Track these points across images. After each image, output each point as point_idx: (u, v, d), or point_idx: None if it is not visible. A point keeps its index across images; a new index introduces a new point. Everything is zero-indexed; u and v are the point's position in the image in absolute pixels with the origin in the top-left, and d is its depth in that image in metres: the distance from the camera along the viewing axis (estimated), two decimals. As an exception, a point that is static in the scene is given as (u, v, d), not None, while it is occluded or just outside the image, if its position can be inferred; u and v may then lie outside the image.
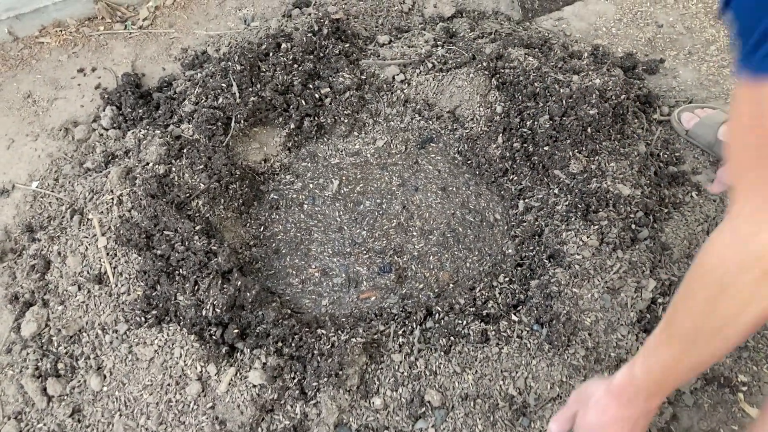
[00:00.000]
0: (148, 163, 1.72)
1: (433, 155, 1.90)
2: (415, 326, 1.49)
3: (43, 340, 1.55)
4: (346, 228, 1.76)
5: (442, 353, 1.44)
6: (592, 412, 1.01)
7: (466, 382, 1.41)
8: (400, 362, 1.44)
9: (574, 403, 1.08)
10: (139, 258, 1.58)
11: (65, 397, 1.48)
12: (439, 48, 2.00)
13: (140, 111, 1.95)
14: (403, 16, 2.29)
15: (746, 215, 0.74)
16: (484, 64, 1.89)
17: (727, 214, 0.77)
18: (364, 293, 1.62)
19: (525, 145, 1.78)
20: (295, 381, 1.40)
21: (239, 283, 1.51)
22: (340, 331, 1.48)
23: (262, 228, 1.79)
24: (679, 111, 1.89)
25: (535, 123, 1.76)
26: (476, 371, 1.42)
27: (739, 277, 0.74)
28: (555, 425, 1.09)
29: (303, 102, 1.87)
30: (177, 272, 1.55)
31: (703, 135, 1.82)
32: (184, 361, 1.46)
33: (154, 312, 1.52)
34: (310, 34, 1.97)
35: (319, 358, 1.41)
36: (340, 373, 1.38)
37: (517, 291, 1.56)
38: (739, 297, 0.75)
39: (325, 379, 1.37)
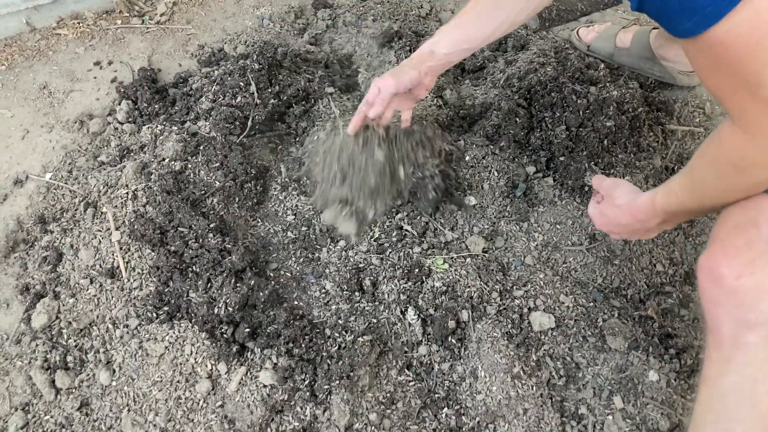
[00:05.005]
0: (164, 159, 1.72)
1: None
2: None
3: (53, 332, 1.55)
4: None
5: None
6: (611, 210, 1.27)
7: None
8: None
9: (608, 187, 1.30)
10: (153, 254, 1.58)
11: (73, 390, 1.48)
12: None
13: (156, 106, 1.95)
14: (420, 20, 2.29)
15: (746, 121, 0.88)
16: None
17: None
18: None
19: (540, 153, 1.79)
20: (306, 382, 1.40)
21: (252, 282, 1.51)
22: (345, 332, 1.48)
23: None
24: (576, 29, 2.15)
25: (552, 133, 1.76)
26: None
27: (754, 162, 0.91)
28: (596, 181, 1.35)
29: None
30: (190, 269, 1.55)
31: (603, 47, 2.06)
32: (195, 359, 1.46)
33: (165, 308, 1.52)
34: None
35: (329, 360, 1.41)
36: (352, 374, 1.38)
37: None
38: (753, 177, 0.94)
39: (337, 382, 1.37)
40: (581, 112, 1.76)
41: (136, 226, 1.60)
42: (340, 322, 1.53)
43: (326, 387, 1.38)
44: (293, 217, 1.75)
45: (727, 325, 0.97)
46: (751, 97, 0.82)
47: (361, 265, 1.62)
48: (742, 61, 0.79)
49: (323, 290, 1.61)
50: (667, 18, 0.85)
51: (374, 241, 1.67)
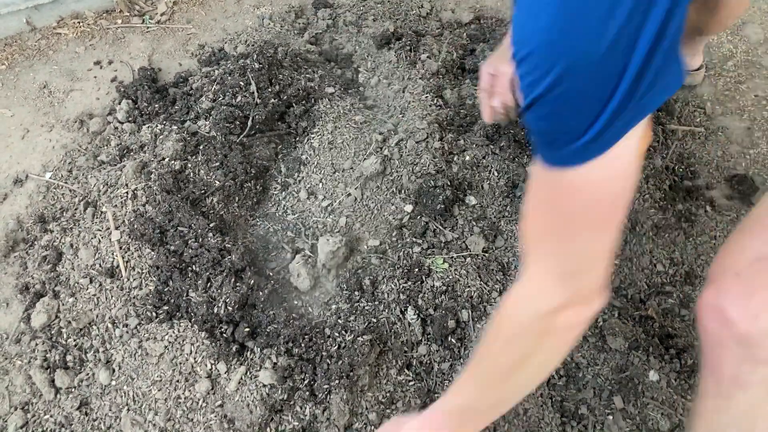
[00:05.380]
0: (164, 159, 1.72)
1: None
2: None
3: (52, 332, 1.55)
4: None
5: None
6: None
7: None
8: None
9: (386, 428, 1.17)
10: (152, 253, 1.58)
11: (73, 390, 1.48)
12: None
13: (156, 106, 1.95)
14: (420, 20, 2.29)
15: (534, 280, 0.86)
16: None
17: (521, 274, 0.88)
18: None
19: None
20: (306, 382, 1.40)
21: (252, 281, 1.51)
22: (345, 332, 1.48)
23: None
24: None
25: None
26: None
27: (524, 332, 0.87)
28: None
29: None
30: (190, 269, 1.55)
31: None
32: (194, 358, 1.46)
33: (165, 308, 1.52)
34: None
35: (329, 360, 1.41)
36: (351, 374, 1.38)
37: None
38: (524, 349, 0.88)
39: (336, 381, 1.37)
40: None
41: (135, 226, 1.60)
42: (339, 321, 1.53)
43: (326, 386, 1.38)
44: (293, 216, 1.74)
45: (730, 363, 0.90)
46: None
47: (360, 265, 1.62)
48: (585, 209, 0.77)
49: (323, 290, 1.61)
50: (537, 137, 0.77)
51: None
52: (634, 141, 0.72)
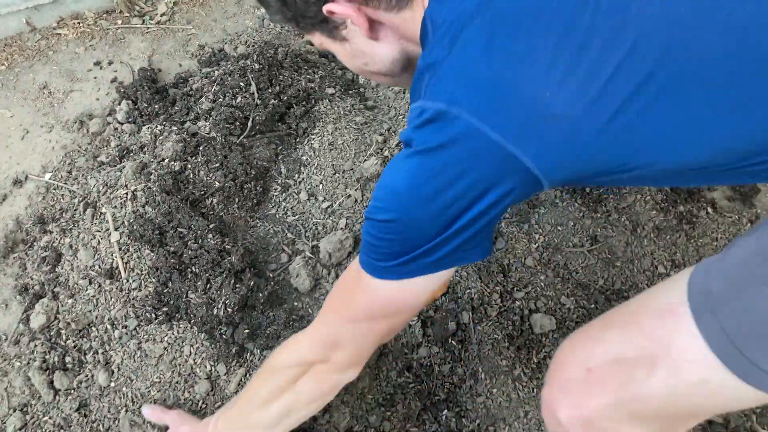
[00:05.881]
0: (163, 159, 1.71)
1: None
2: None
3: (51, 333, 1.55)
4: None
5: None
6: None
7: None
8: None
9: (174, 420, 1.34)
10: (152, 254, 1.58)
11: (72, 391, 1.47)
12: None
13: (156, 106, 1.95)
14: (421, 21, 2.29)
15: (307, 334, 1.06)
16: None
17: (309, 326, 1.07)
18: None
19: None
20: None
21: (252, 283, 1.51)
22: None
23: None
24: None
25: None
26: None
27: (283, 370, 1.06)
28: (148, 411, 1.38)
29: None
30: (189, 270, 1.54)
31: None
32: (194, 360, 1.45)
33: (164, 309, 1.51)
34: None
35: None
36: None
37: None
38: (279, 383, 1.07)
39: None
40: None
41: (135, 227, 1.59)
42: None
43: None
44: (293, 217, 1.74)
45: None
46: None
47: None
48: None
49: (323, 291, 1.61)
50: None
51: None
52: (430, 284, 0.88)
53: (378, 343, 1.03)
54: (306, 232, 1.70)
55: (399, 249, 0.82)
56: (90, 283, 1.59)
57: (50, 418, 1.44)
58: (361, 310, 0.94)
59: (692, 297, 0.75)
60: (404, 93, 2.00)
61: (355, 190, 1.74)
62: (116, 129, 1.94)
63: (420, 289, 0.89)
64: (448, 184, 0.75)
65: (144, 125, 1.89)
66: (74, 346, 1.52)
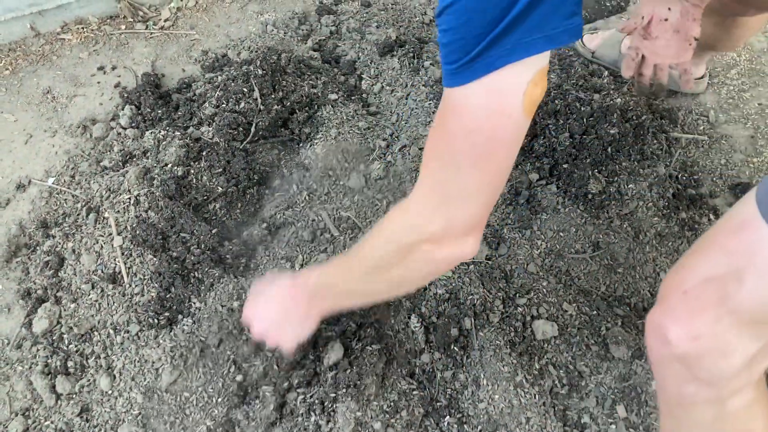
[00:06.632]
0: (166, 164, 1.72)
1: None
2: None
3: (53, 338, 1.55)
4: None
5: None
6: (268, 286, 1.25)
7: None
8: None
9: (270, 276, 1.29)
10: (154, 259, 1.58)
11: (74, 396, 1.47)
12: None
13: (159, 111, 1.95)
14: (423, 27, 2.30)
15: (415, 201, 0.91)
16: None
17: (411, 192, 0.92)
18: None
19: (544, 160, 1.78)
20: (311, 392, 1.39)
21: (254, 288, 1.51)
22: (352, 341, 1.47)
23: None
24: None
25: (555, 140, 1.76)
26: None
27: (393, 244, 0.95)
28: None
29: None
30: (192, 275, 1.54)
31: (608, 54, 2.02)
32: (196, 365, 1.45)
33: (167, 314, 1.51)
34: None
35: (336, 369, 1.40)
36: (359, 383, 1.37)
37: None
38: (389, 257, 0.96)
39: (344, 390, 1.36)
40: (585, 120, 1.75)
41: (138, 232, 1.59)
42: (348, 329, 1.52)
43: (332, 395, 1.37)
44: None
45: (673, 383, 0.93)
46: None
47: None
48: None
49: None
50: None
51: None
52: (520, 80, 0.75)
53: (494, 192, 0.88)
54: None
55: (479, 29, 0.71)
56: (92, 287, 1.59)
57: (52, 422, 1.44)
58: (458, 137, 0.81)
59: (763, 209, 0.79)
60: (407, 98, 2.01)
61: (358, 195, 1.74)
62: (119, 134, 1.95)
63: (515, 80, 0.76)
64: None
65: (147, 130, 1.89)
66: (76, 351, 1.52)
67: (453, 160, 0.83)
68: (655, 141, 1.83)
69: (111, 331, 1.53)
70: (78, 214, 1.74)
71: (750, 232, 0.80)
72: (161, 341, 1.49)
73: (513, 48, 0.72)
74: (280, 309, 1.20)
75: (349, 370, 1.39)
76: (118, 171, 1.78)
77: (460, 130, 0.80)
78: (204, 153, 1.75)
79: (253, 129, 1.81)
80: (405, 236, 0.92)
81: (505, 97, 0.76)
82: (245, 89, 1.86)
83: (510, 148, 0.82)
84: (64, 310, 1.58)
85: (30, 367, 1.51)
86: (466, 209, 0.87)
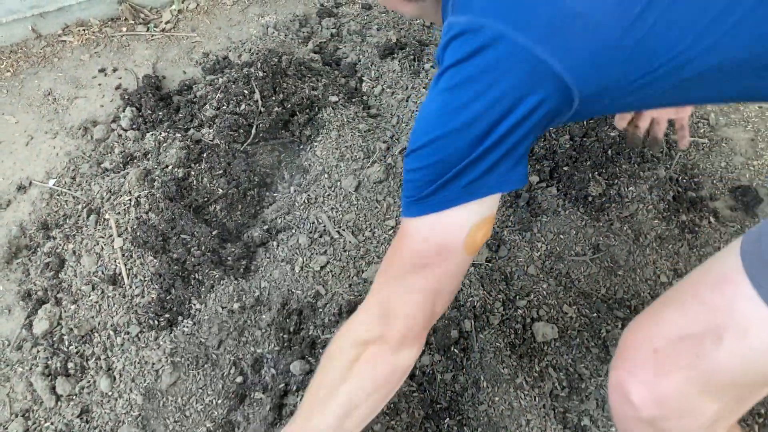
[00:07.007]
0: (167, 166, 1.72)
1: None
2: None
3: (54, 339, 1.55)
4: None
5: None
6: None
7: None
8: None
9: None
10: (155, 260, 1.58)
11: (74, 397, 1.47)
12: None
13: (160, 113, 1.96)
14: (424, 30, 2.30)
15: (361, 312, 0.96)
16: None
17: (357, 309, 0.98)
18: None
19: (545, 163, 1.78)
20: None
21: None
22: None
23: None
24: None
25: (556, 143, 1.76)
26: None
27: (339, 354, 0.96)
28: None
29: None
30: (192, 276, 1.54)
31: None
32: (196, 367, 1.45)
33: (167, 315, 1.51)
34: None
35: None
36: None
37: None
38: (337, 371, 0.95)
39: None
40: (585, 122, 1.75)
41: (138, 233, 1.60)
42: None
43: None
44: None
45: None
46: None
47: (365, 273, 1.62)
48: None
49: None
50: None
51: (379, 246, 1.66)
52: (464, 223, 0.84)
53: (431, 312, 0.94)
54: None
55: (433, 175, 0.81)
56: (93, 289, 1.59)
57: (52, 423, 1.44)
58: (405, 259, 0.89)
59: (747, 263, 0.75)
60: (407, 101, 2.01)
61: (358, 197, 1.74)
62: (120, 135, 1.95)
63: (459, 222, 0.84)
64: (478, 95, 0.75)
65: (148, 132, 1.90)
66: (76, 352, 1.52)
67: (398, 275, 0.91)
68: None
69: (111, 333, 1.53)
70: (78, 216, 1.74)
71: (732, 287, 0.75)
72: (161, 343, 1.50)
73: (467, 189, 0.81)
74: None
75: None
76: (118, 172, 1.79)
77: (408, 252, 0.88)
78: (204, 155, 1.75)
79: (253, 131, 1.81)
80: (350, 345, 0.96)
81: (448, 234, 0.85)
82: (246, 91, 1.87)
83: (451, 277, 0.90)
84: (65, 311, 1.58)
85: (30, 369, 1.51)
86: (405, 322, 0.92)
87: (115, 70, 2.21)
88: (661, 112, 1.59)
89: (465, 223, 0.84)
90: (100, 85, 2.17)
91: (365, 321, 0.96)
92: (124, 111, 2.01)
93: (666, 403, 0.82)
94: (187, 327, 1.51)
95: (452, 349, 1.48)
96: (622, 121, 1.62)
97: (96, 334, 1.54)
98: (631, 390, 0.85)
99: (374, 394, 0.97)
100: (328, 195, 1.76)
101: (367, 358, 0.94)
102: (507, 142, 0.77)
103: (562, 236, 1.68)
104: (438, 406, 1.43)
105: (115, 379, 1.48)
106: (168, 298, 1.54)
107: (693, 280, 0.84)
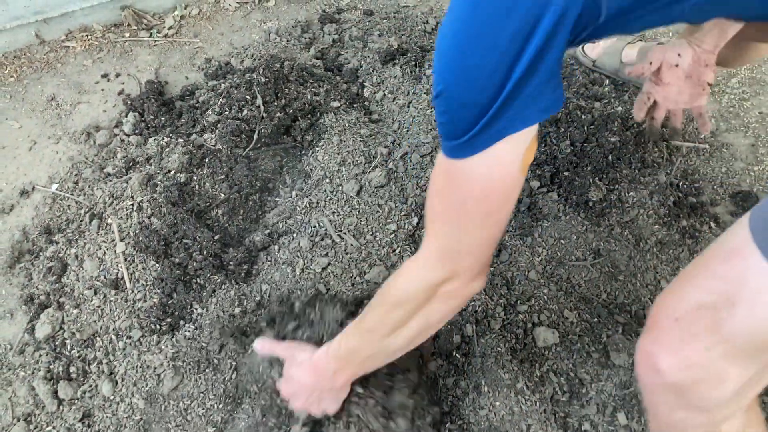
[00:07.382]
0: (169, 171, 1.73)
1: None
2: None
3: (56, 343, 1.55)
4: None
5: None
6: (294, 370, 1.24)
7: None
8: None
9: (285, 349, 1.29)
10: (157, 265, 1.59)
11: (76, 401, 1.48)
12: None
13: (163, 118, 1.97)
14: (425, 35, 2.31)
15: (424, 256, 0.98)
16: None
17: (420, 249, 1.00)
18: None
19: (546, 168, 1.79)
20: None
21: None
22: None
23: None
24: (581, 45, 2.05)
25: (556, 148, 1.77)
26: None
27: (408, 299, 1.01)
28: (260, 345, 1.32)
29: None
30: (194, 281, 1.55)
31: (608, 63, 2.00)
32: (198, 371, 1.45)
33: (169, 320, 1.52)
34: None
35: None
36: (361, 391, 1.37)
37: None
38: (406, 313, 1.02)
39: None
40: (586, 128, 1.76)
41: (140, 238, 1.60)
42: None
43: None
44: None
45: (665, 410, 0.93)
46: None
47: (366, 276, 1.62)
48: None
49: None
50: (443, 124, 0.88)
51: (380, 249, 1.67)
52: (518, 149, 0.84)
53: (496, 240, 0.96)
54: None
55: (472, 117, 0.79)
56: (95, 293, 1.59)
57: (54, 428, 1.45)
58: (464, 200, 0.88)
59: (756, 236, 0.79)
60: (408, 106, 2.02)
61: (360, 201, 1.75)
62: (123, 141, 1.96)
63: (514, 151, 0.84)
64: (503, 16, 0.73)
65: (150, 137, 1.90)
66: (79, 357, 1.53)
67: (459, 222, 0.91)
68: (655, 149, 1.84)
69: (113, 337, 1.54)
70: (81, 221, 1.75)
71: (742, 258, 0.80)
72: (163, 347, 1.50)
73: (509, 124, 0.80)
74: (313, 386, 1.22)
75: None
76: (121, 177, 1.80)
77: (469, 197, 0.87)
78: (207, 160, 1.76)
79: (255, 136, 1.82)
80: (421, 289, 0.99)
81: (506, 166, 0.85)
82: (248, 97, 1.88)
83: (511, 205, 0.91)
84: (67, 315, 1.58)
85: (32, 373, 1.51)
86: (472, 258, 0.95)
87: (117, 75, 2.22)
88: (677, 104, 1.63)
89: (519, 150, 0.84)
90: (102, 90, 2.18)
91: (432, 266, 0.97)
92: (126, 116, 2.02)
93: (691, 368, 0.85)
94: (189, 331, 1.52)
95: (454, 353, 1.48)
96: (639, 112, 1.67)
97: (98, 339, 1.55)
98: (657, 358, 0.88)
99: (444, 321, 1.07)
100: (330, 199, 1.77)
101: (440, 299, 0.99)
102: (540, 66, 0.76)
103: (562, 241, 1.68)
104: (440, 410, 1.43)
105: (117, 383, 1.49)
106: (170, 302, 1.54)
107: (706, 255, 0.88)
